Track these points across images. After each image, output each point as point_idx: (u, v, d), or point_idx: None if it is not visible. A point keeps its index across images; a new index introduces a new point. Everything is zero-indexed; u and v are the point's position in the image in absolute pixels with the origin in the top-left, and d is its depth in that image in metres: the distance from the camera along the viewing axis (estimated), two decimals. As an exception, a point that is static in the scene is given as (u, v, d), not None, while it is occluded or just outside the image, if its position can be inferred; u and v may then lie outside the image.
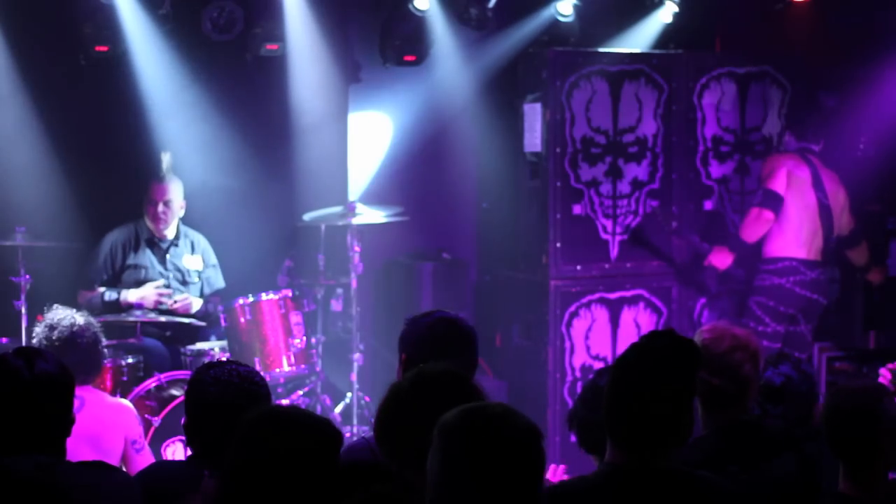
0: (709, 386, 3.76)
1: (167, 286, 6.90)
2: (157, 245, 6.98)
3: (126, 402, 5.15)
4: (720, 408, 3.77)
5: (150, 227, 6.95)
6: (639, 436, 2.98)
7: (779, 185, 7.05)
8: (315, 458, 2.69)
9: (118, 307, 6.69)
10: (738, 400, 3.77)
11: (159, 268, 6.95)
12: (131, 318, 6.52)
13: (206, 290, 7.08)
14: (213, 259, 7.17)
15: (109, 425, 4.77)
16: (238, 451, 2.72)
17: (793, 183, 7.09)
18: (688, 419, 3.03)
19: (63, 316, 4.92)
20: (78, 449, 4.41)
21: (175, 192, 6.93)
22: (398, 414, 2.74)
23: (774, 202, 7.02)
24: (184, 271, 7.00)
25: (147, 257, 6.95)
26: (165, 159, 6.93)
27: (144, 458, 4.85)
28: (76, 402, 4.47)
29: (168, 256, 6.99)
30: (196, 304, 6.92)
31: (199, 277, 7.07)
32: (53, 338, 4.82)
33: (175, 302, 6.80)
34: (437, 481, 2.46)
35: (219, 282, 7.16)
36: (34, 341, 4.87)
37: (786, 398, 4.19)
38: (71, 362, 4.50)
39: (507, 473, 2.42)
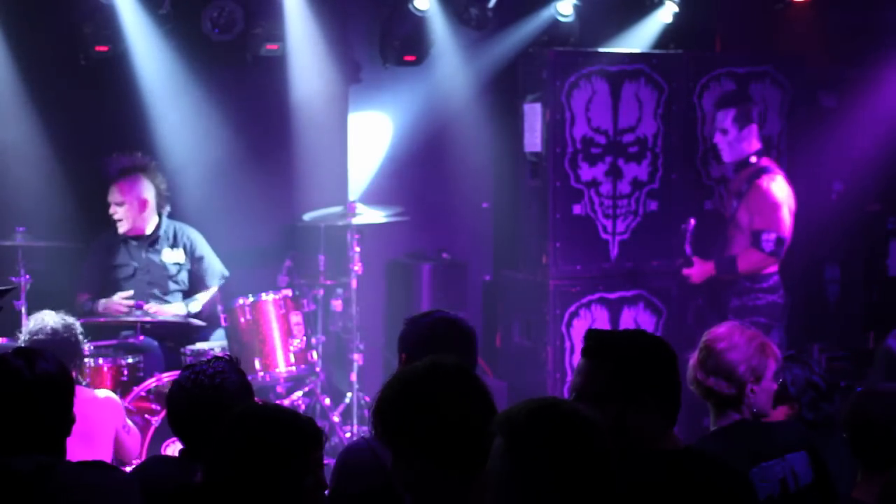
0: (703, 387, 3.77)
1: (153, 284, 6.90)
2: (132, 243, 6.97)
3: (106, 391, 5.21)
4: (719, 408, 3.78)
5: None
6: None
7: (788, 229, 6.96)
8: (288, 455, 2.73)
9: (95, 314, 6.69)
10: (736, 401, 3.77)
11: (135, 264, 6.95)
12: (131, 318, 6.52)
13: (208, 283, 7.04)
14: (202, 251, 7.10)
15: (98, 419, 4.88)
16: (216, 450, 2.80)
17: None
18: None
19: (39, 318, 5.11)
20: (70, 445, 4.48)
21: (129, 192, 6.88)
22: (408, 402, 2.75)
23: (783, 248, 6.94)
24: (159, 265, 6.98)
25: (125, 256, 6.96)
26: (119, 160, 6.90)
27: (133, 436, 5.10)
28: None
29: (145, 253, 6.97)
30: (175, 309, 6.87)
31: (181, 270, 7.03)
32: (36, 338, 4.99)
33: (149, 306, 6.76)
34: (508, 484, 2.45)
35: (214, 271, 7.11)
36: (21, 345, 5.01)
37: (834, 397, 4.19)
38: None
39: (584, 470, 2.44)
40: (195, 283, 7.11)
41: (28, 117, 7.05)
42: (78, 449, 4.53)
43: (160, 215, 7.04)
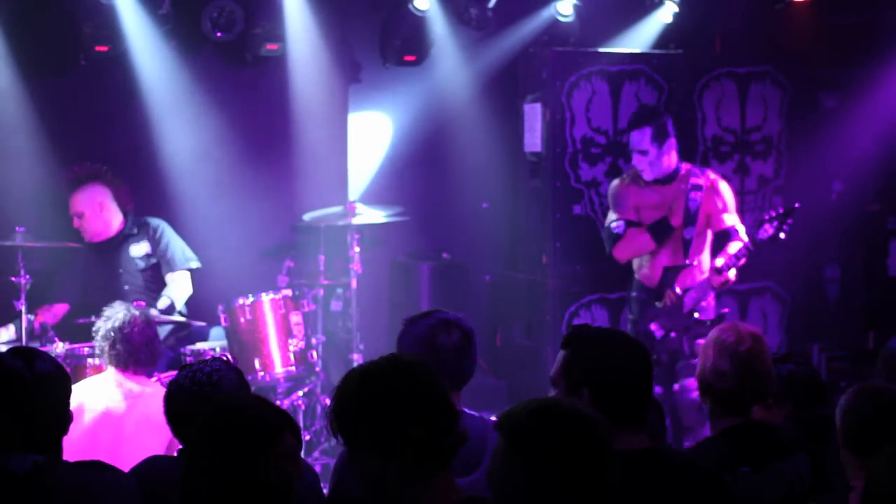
0: (718, 386, 3.74)
1: (127, 283, 6.89)
2: (100, 247, 6.95)
3: None
4: (730, 409, 3.75)
5: None
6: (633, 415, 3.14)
7: None
8: (252, 448, 2.76)
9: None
10: (751, 400, 3.75)
11: (108, 268, 6.92)
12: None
13: (174, 268, 6.97)
14: (164, 236, 6.98)
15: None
16: (190, 448, 2.85)
17: None
18: None
19: (118, 310, 5.24)
20: (142, 432, 4.92)
21: (86, 201, 6.83)
22: (367, 397, 2.74)
23: None
24: (131, 261, 6.94)
25: (97, 263, 6.93)
26: (73, 173, 6.87)
27: None
28: (136, 388, 4.95)
29: (114, 254, 6.95)
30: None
31: (149, 262, 6.98)
32: (106, 331, 5.15)
33: None
34: (512, 483, 2.46)
35: (179, 257, 6.96)
36: (98, 336, 5.19)
37: (831, 397, 4.18)
38: (125, 352, 5.07)
39: (591, 467, 2.46)
40: (159, 264, 7.00)
41: (28, 117, 7.05)
42: (139, 433, 4.92)
43: (126, 215, 7.00)
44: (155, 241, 6.97)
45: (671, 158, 6.50)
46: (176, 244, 7.00)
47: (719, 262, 6.35)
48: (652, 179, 6.50)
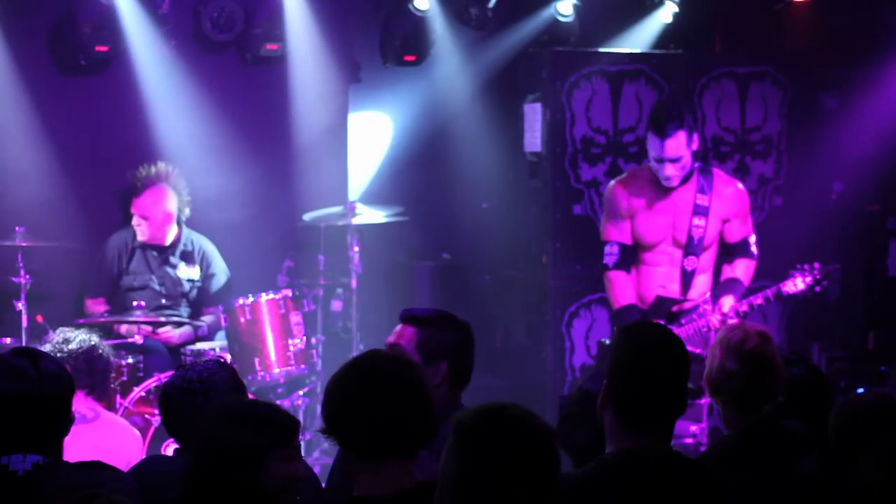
0: (729, 381, 3.72)
1: (166, 297, 6.87)
2: (150, 252, 6.93)
3: (137, 431, 5.13)
4: (741, 408, 3.74)
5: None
6: (656, 419, 3.11)
7: None
8: (263, 450, 2.83)
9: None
10: (771, 397, 3.75)
11: (149, 275, 6.90)
12: (131, 319, 6.52)
13: (213, 293, 7.01)
14: (216, 267, 7.06)
15: (119, 447, 4.78)
16: (196, 449, 2.90)
17: None
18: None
19: (76, 334, 4.92)
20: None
21: (154, 207, 6.83)
22: (337, 386, 2.88)
23: None
24: (175, 280, 6.95)
25: (140, 265, 6.91)
26: (145, 171, 6.87)
27: None
28: (90, 413, 4.56)
29: (162, 266, 6.93)
30: (182, 330, 6.85)
31: (194, 287, 6.99)
32: (72, 349, 4.79)
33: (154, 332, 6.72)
34: (453, 482, 2.48)
35: (221, 282, 7.08)
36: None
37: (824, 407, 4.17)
38: (87, 381, 4.67)
39: (527, 475, 2.45)
40: (202, 295, 7.06)
41: (28, 117, 7.05)
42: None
43: (179, 223, 7.00)
44: (205, 272, 6.99)
45: (692, 156, 5.78)
46: (220, 275, 7.04)
47: (726, 304, 5.68)
48: (678, 185, 5.76)
